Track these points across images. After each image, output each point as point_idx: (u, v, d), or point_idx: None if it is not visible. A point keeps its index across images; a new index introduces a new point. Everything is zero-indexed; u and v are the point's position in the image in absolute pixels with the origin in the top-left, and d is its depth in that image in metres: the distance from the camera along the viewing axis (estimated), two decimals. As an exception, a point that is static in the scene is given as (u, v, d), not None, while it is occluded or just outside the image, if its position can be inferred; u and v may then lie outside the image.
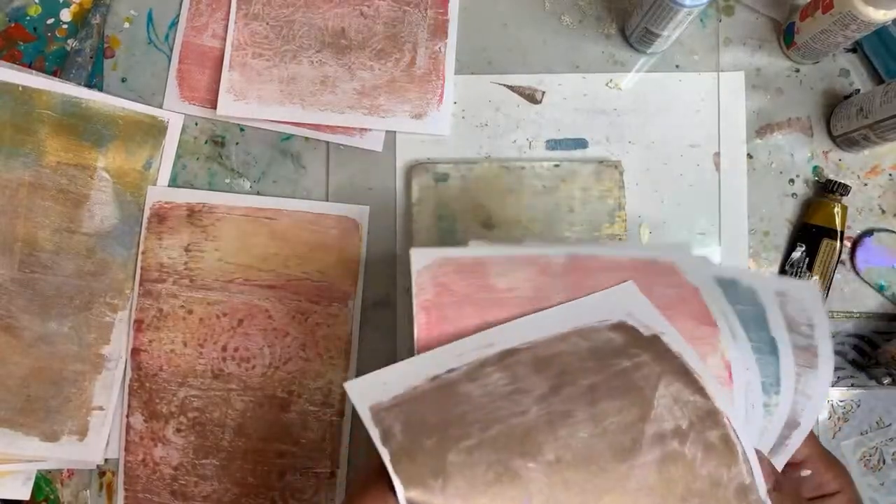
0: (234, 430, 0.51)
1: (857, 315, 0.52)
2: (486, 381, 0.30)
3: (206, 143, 0.54)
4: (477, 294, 0.34)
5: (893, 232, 0.52)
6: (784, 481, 0.31)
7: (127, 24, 0.55)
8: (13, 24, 0.54)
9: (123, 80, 0.54)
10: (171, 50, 0.54)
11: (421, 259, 0.35)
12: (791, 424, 0.33)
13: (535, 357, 0.31)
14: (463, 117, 0.54)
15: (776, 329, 0.33)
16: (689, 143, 0.53)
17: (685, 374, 0.30)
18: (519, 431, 0.28)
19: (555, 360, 0.31)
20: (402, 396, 0.30)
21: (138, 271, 0.52)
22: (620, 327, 0.32)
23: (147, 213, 0.52)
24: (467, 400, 0.29)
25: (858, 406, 0.52)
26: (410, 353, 0.32)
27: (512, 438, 0.28)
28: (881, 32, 0.51)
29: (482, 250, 0.36)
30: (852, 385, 0.52)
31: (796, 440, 0.33)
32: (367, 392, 0.30)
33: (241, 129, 0.54)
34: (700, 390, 0.30)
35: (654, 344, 0.31)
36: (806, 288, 0.35)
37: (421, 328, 0.33)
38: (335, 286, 0.52)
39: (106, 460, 0.51)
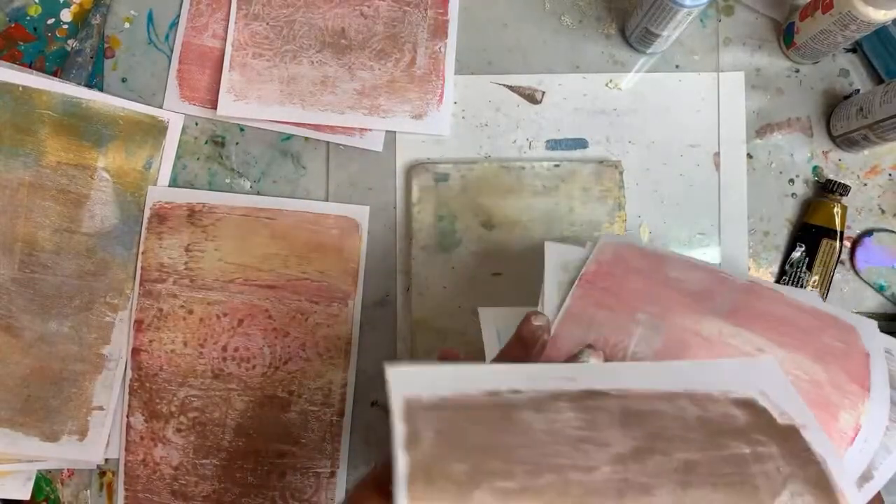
0: (235, 430, 0.51)
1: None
2: (555, 417, 0.24)
3: (206, 143, 0.54)
4: (648, 270, 0.35)
5: (893, 232, 0.52)
6: None
7: (127, 25, 0.55)
8: (13, 24, 0.54)
9: (124, 81, 0.54)
10: (172, 50, 0.54)
11: (610, 239, 0.37)
12: (865, 476, 0.31)
13: (625, 408, 0.25)
14: (463, 117, 0.54)
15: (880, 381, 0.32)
16: (689, 143, 0.53)
17: (823, 488, 0.24)
18: (576, 491, 0.22)
19: (649, 419, 0.25)
20: (449, 401, 0.24)
21: (138, 271, 0.52)
22: (748, 405, 0.26)
23: (147, 213, 0.52)
24: (524, 431, 0.24)
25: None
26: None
27: (565, 497, 0.22)
28: (881, 32, 0.51)
29: (669, 251, 0.38)
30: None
31: (866, 494, 0.31)
32: (409, 381, 0.24)
33: (241, 129, 0.54)
34: None
35: (789, 436, 0.25)
36: None
37: (575, 298, 0.33)
38: (335, 286, 0.52)
39: (106, 460, 0.51)
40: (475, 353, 0.48)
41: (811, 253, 0.51)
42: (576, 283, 0.36)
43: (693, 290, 0.34)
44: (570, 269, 0.38)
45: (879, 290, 0.52)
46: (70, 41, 0.54)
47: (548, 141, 0.54)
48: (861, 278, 0.52)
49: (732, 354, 0.33)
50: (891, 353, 0.34)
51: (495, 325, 0.39)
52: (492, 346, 0.38)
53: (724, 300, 0.34)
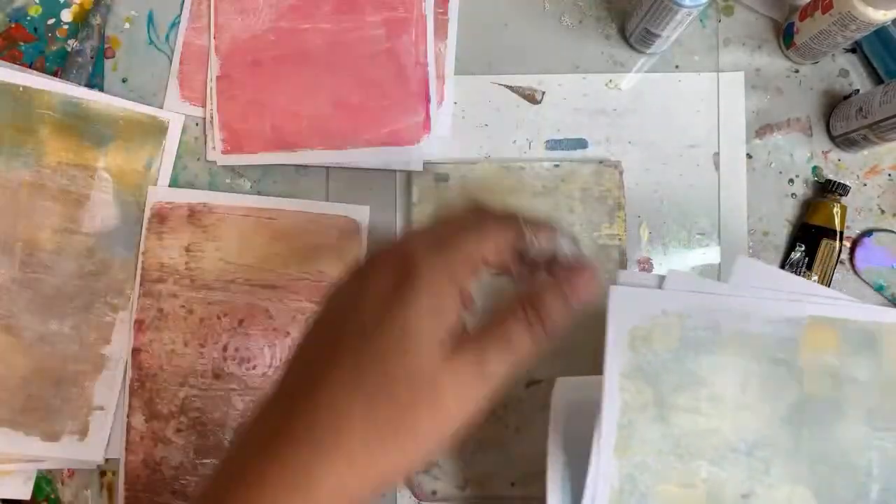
0: (235, 430, 0.51)
1: (857, 315, 0.52)
2: None
3: (206, 143, 0.54)
4: None
5: (893, 232, 0.52)
6: None
7: (127, 25, 0.55)
8: (14, 25, 0.54)
9: (124, 81, 0.54)
10: (172, 50, 0.54)
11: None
12: None
13: None
14: (463, 117, 0.54)
15: None
16: (689, 143, 0.53)
17: None
18: None
19: None
20: None
21: (139, 271, 0.52)
22: None
23: (148, 213, 0.52)
24: None
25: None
26: None
27: None
28: (881, 32, 0.51)
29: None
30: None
31: None
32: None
33: (242, 130, 0.54)
34: None
35: None
36: None
37: None
38: (335, 286, 0.52)
39: (107, 460, 0.51)
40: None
41: (811, 253, 0.51)
42: None
43: None
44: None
45: (879, 290, 0.52)
46: (70, 41, 0.54)
47: (548, 141, 0.54)
48: (861, 278, 0.52)
49: None
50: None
51: (566, 397, 0.38)
52: (556, 420, 0.37)
53: None
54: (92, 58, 0.53)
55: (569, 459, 0.36)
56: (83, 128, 0.52)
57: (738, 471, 0.31)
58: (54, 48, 0.54)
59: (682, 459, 0.31)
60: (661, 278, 0.33)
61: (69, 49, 0.54)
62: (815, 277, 0.51)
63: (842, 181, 0.51)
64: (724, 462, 0.32)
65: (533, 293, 0.27)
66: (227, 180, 0.53)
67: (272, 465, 0.24)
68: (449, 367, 0.25)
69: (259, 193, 0.53)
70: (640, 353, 0.32)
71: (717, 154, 0.53)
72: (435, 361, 0.24)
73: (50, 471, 0.52)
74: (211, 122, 0.53)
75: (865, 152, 0.53)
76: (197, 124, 0.54)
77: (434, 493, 0.49)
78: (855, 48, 0.54)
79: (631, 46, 0.54)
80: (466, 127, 0.54)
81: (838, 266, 0.52)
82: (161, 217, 0.52)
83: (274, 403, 0.26)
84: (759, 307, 0.33)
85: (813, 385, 0.32)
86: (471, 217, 0.29)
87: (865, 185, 0.53)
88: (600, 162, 0.52)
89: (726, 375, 0.32)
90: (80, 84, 0.53)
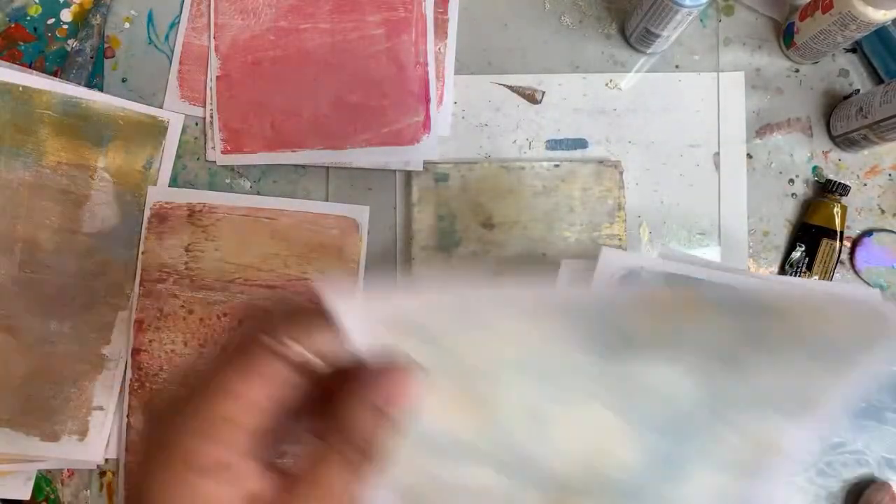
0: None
1: (857, 315, 0.52)
2: None
3: (206, 143, 0.54)
4: None
5: (893, 232, 0.52)
6: None
7: (127, 25, 0.55)
8: (13, 24, 0.54)
9: (124, 81, 0.54)
10: (172, 50, 0.54)
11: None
12: None
13: None
14: (463, 117, 0.54)
15: None
16: (689, 143, 0.53)
17: None
18: None
19: None
20: None
21: (139, 271, 0.52)
22: None
23: (147, 213, 0.52)
24: None
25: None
26: None
27: None
28: (881, 32, 0.51)
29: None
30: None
31: None
32: None
33: (242, 130, 0.54)
34: None
35: None
36: None
37: None
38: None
39: (106, 460, 0.51)
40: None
41: (811, 253, 0.51)
42: None
43: None
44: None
45: (879, 290, 0.52)
46: (70, 41, 0.54)
47: (548, 141, 0.54)
48: (861, 278, 0.52)
49: None
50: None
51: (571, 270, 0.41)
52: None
53: None
54: (92, 58, 0.53)
55: None
56: (83, 128, 0.52)
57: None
58: (54, 48, 0.54)
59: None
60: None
61: (69, 49, 0.54)
62: (816, 277, 0.51)
63: (842, 181, 0.51)
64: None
65: (339, 419, 0.20)
66: (227, 180, 0.53)
67: None
68: None
69: (259, 193, 0.53)
70: None
71: (717, 154, 0.53)
72: None
73: (50, 471, 0.52)
74: (211, 122, 0.53)
75: (865, 152, 0.53)
76: (197, 124, 0.54)
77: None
78: (855, 48, 0.54)
79: (631, 46, 0.54)
80: (466, 127, 0.54)
81: (838, 266, 0.52)
82: (161, 217, 0.52)
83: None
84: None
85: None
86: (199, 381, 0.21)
87: (865, 185, 0.53)
88: (600, 162, 0.52)
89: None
90: (79, 84, 0.53)
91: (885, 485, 0.41)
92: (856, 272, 0.52)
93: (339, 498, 0.20)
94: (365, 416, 0.20)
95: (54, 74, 0.53)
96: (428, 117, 0.52)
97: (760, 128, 0.54)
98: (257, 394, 0.20)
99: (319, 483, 0.20)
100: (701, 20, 0.54)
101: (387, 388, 0.21)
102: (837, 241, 0.51)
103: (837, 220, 0.51)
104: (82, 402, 0.51)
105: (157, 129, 0.53)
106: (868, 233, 0.52)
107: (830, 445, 0.35)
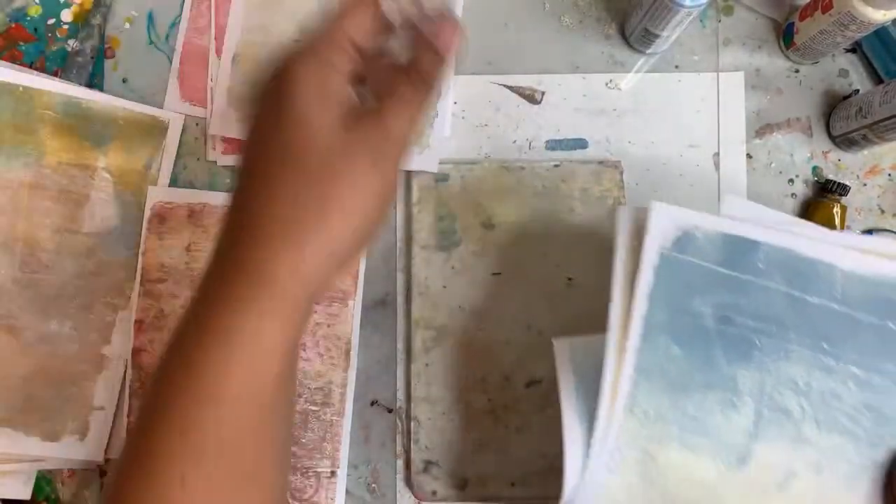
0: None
1: (857, 315, 0.52)
2: None
3: (206, 143, 0.54)
4: None
5: (893, 232, 0.52)
6: None
7: (127, 25, 0.55)
8: (14, 25, 0.54)
9: (124, 81, 0.54)
10: (172, 50, 0.54)
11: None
12: None
13: None
14: (463, 117, 0.54)
15: None
16: (689, 144, 0.53)
17: None
18: None
19: None
20: None
21: (139, 271, 0.52)
22: None
23: (148, 213, 0.52)
24: None
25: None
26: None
27: None
28: (881, 32, 0.51)
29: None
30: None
31: None
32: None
33: (242, 130, 0.54)
34: None
35: None
36: None
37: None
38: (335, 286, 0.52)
39: (107, 460, 0.51)
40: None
41: (811, 253, 0.51)
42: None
43: None
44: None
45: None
46: (70, 41, 0.54)
47: (548, 141, 0.54)
48: (861, 278, 0.52)
49: None
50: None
51: (572, 358, 0.38)
52: (567, 383, 0.37)
53: None
54: (92, 58, 0.54)
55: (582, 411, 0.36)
56: (83, 128, 0.52)
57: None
58: (54, 48, 0.54)
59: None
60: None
61: (69, 49, 0.54)
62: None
63: (842, 181, 0.51)
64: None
65: (410, 58, 0.30)
66: (227, 180, 0.53)
67: (237, 274, 0.28)
68: (354, 137, 0.27)
69: (259, 193, 0.53)
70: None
71: (717, 154, 0.53)
72: (337, 134, 0.27)
73: (50, 471, 0.52)
74: (211, 121, 0.53)
75: (865, 152, 0.53)
76: (197, 124, 0.54)
77: (434, 493, 0.49)
78: (855, 48, 0.54)
79: (631, 46, 0.54)
80: (466, 127, 0.54)
81: (838, 266, 0.52)
82: (161, 217, 0.52)
83: (223, 233, 0.30)
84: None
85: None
86: (330, 13, 0.31)
87: (865, 185, 0.53)
88: (600, 162, 0.52)
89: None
90: (80, 84, 0.53)
91: None
92: (856, 272, 0.52)
93: (407, 104, 0.28)
94: (429, 56, 0.29)
95: (55, 75, 0.53)
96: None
97: (760, 128, 0.54)
98: (350, 27, 0.29)
99: (395, 94, 0.28)
100: (701, 20, 0.54)
101: (443, 37, 0.29)
102: (837, 241, 0.51)
103: (837, 220, 0.51)
104: (83, 402, 0.51)
105: (157, 130, 0.53)
106: (868, 233, 0.52)
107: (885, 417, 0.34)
